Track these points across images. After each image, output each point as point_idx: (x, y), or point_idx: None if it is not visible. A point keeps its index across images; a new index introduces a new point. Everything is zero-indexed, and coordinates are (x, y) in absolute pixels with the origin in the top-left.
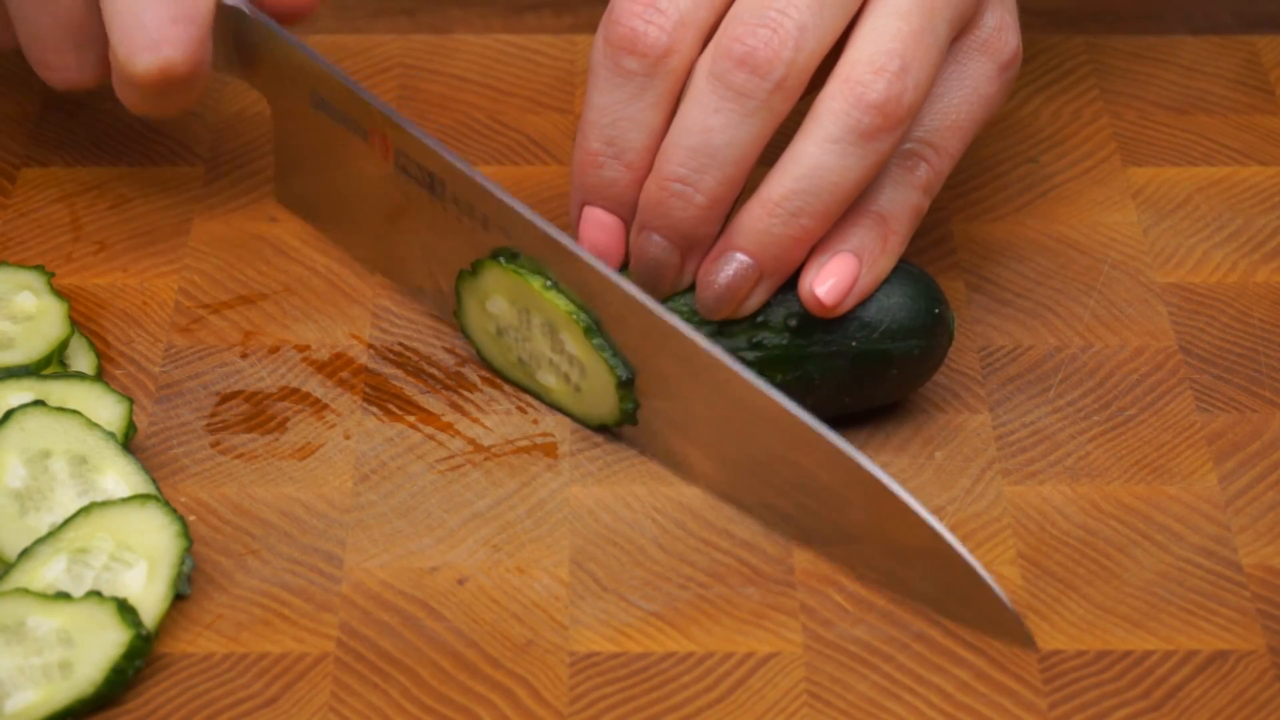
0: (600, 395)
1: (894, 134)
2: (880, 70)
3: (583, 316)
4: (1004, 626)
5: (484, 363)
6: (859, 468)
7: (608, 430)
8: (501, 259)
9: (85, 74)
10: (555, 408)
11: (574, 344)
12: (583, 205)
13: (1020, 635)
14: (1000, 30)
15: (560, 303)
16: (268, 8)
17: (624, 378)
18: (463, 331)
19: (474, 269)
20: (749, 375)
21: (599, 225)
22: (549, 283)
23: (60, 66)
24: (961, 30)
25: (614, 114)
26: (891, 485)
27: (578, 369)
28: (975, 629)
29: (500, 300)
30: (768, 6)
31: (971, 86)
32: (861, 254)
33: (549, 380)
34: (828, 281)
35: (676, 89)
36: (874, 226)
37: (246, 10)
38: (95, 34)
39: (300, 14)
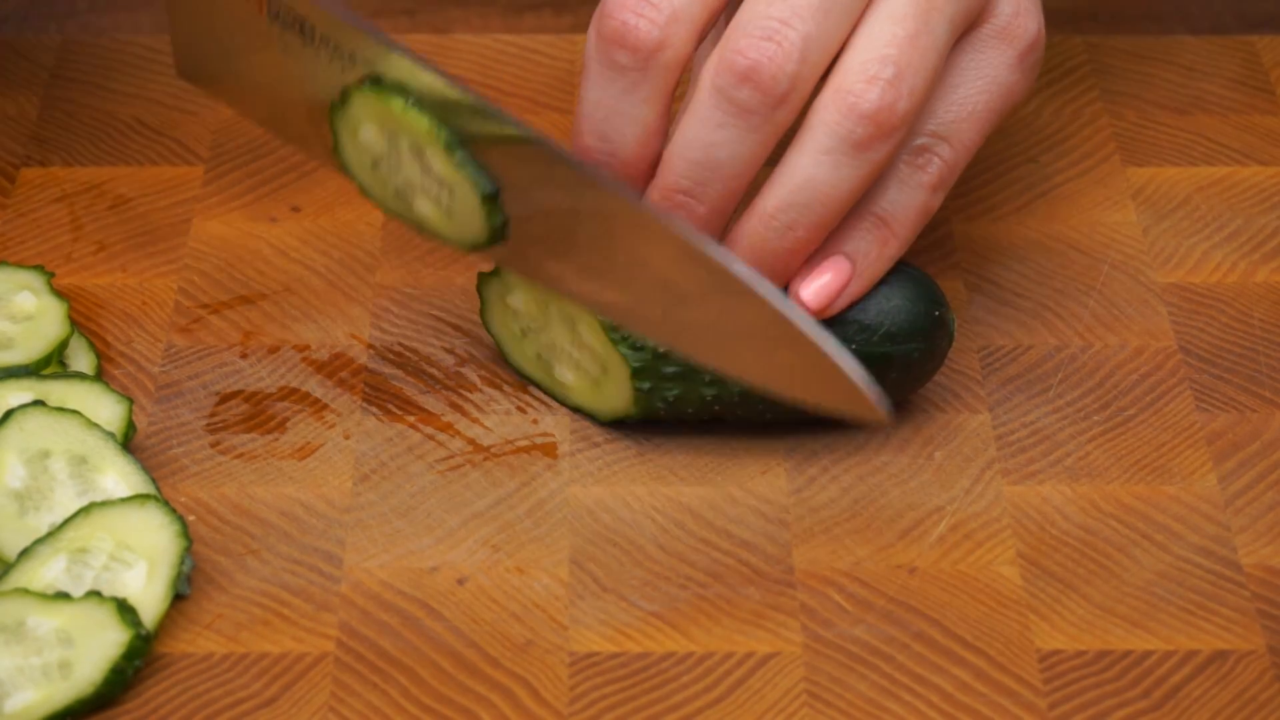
0: (469, 214)
1: (888, 142)
2: (873, 79)
3: (443, 133)
4: (854, 400)
5: (366, 196)
6: (704, 254)
7: (480, 250)
8: (366, 84)
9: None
10: (432, 237)
11: (438, 163)
12: None
13: (866, 406)
14: (1018, 15)
15: (420, 121)
16: None
17: (488, 191)
18: (343, 170)
19: (342, 99)
20: (603, 177)
21: None
22: (409, 101)
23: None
24: (977, 19)
25: (606, 109)
26: (737, 268)
27: (446, 190)
28: (835, 411)
29: (370, 128)
30: (771, 17)
31: (990, 75)
32: (856, 257)
33: (424, 208)
34: (814, 285)
35: (670, 83)
36: (873, 229)
37: None
38: None
39: None
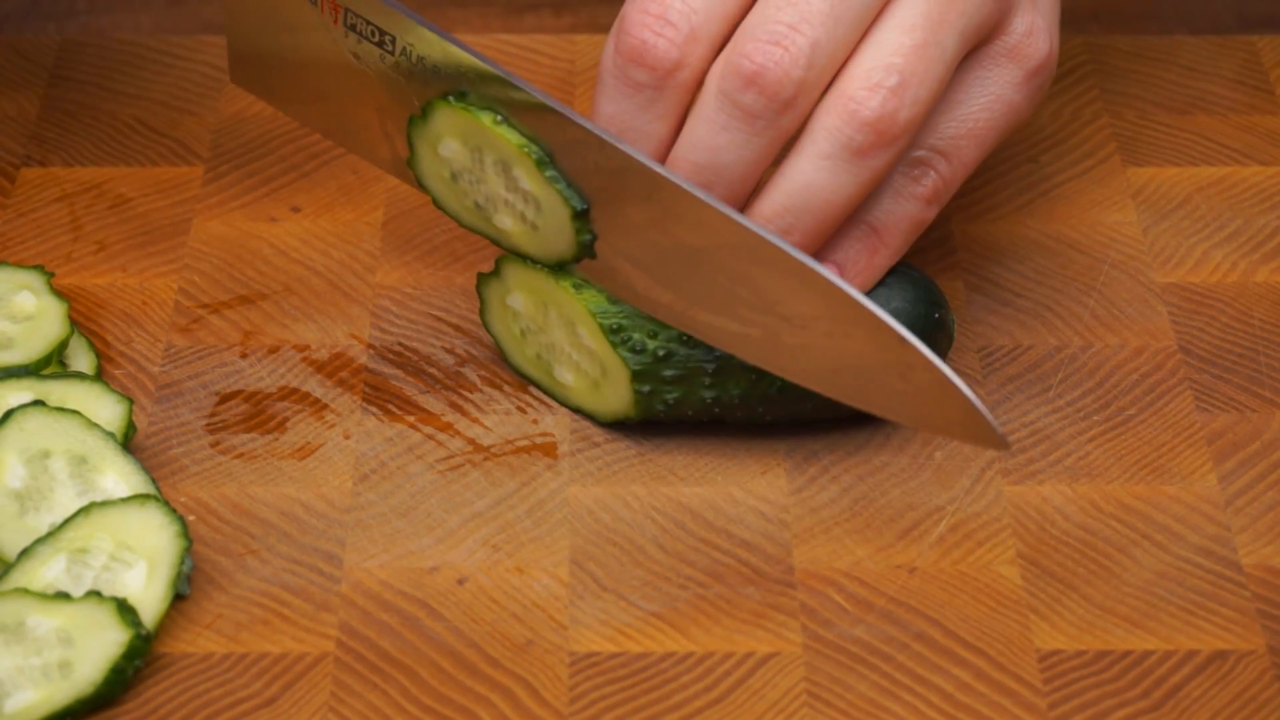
0: (557, 230)
1: (889, 151)
2: (876, 87)
3: (534, 149)
4: (974, 429)
5: (440, 208)
6: (819, 278)
7: (564, 265)
8: (451, 98)
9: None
10: (513, 251)
11: (527, 179)
12: None
13: (991, 436)
14: (1029, 35)
15: (511, 137)
16: None
17: (579, 208)
18: (419, 183)
19: (424, 112)
20: (704, 195)
21: None
22: (499, 118)
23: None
24: (988, 35)
25: (621, 124)
26: (854, 294)
27: (533, 206)
28: (947, 434)
29: (452, 142)
30: (779, 22)
31: (994, 93)
32: (844, 265)
33: (505, 223)
34: None
35: (685, 101)
36: (864, 238)
37: None
38: None
39: None
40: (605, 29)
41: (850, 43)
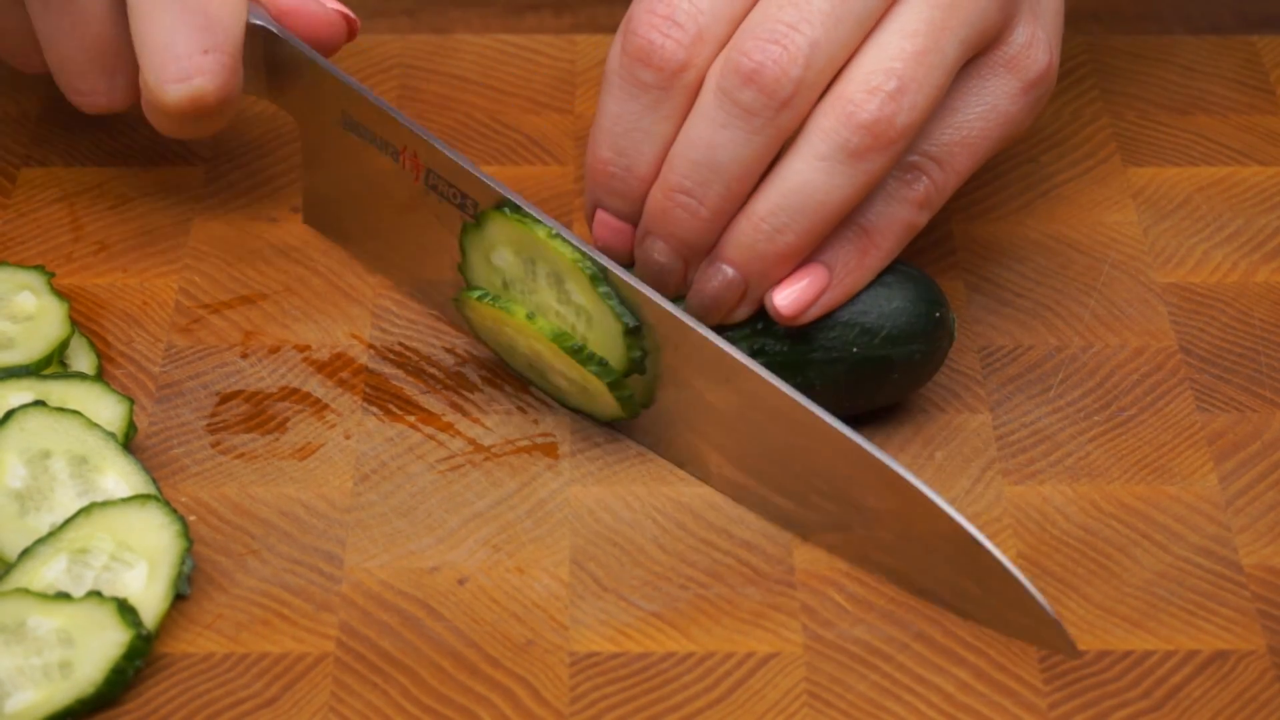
0: (607, 346)
1: (885, 154)
2: (875, 90)
3: (588, 264)
4: (1045, 634)
5: (488, 345)
6: (879, 463)
7: (615, 384)
8: (505, 209)
9: (115, 98)
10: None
11: (580, 293)
12: (594, 207)
13: (1064, 642)
14: (1030, 46)
15: (566, 251)
16: (299, 35)
17: (630, 325)
18: (462, 309)
19: (479, 220)
20: (767, 374)
21: (609, 228)
22: (554, 231)
23: (90, 91)
24: (989, 45)
25: (626, 124)
26: (933, 496)
27: (584, 319)
28: (1019, 637)
29: (505, 252)
30: (780, 21)
31: (991, 103)
32: (834, 266)
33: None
34: (789, 291)
35: (690, 102)
36: (854, 239)
37: (276, 31)
38: (125, 59)
39: (334, 45)
40: (605, 29)
41: (851, 45)
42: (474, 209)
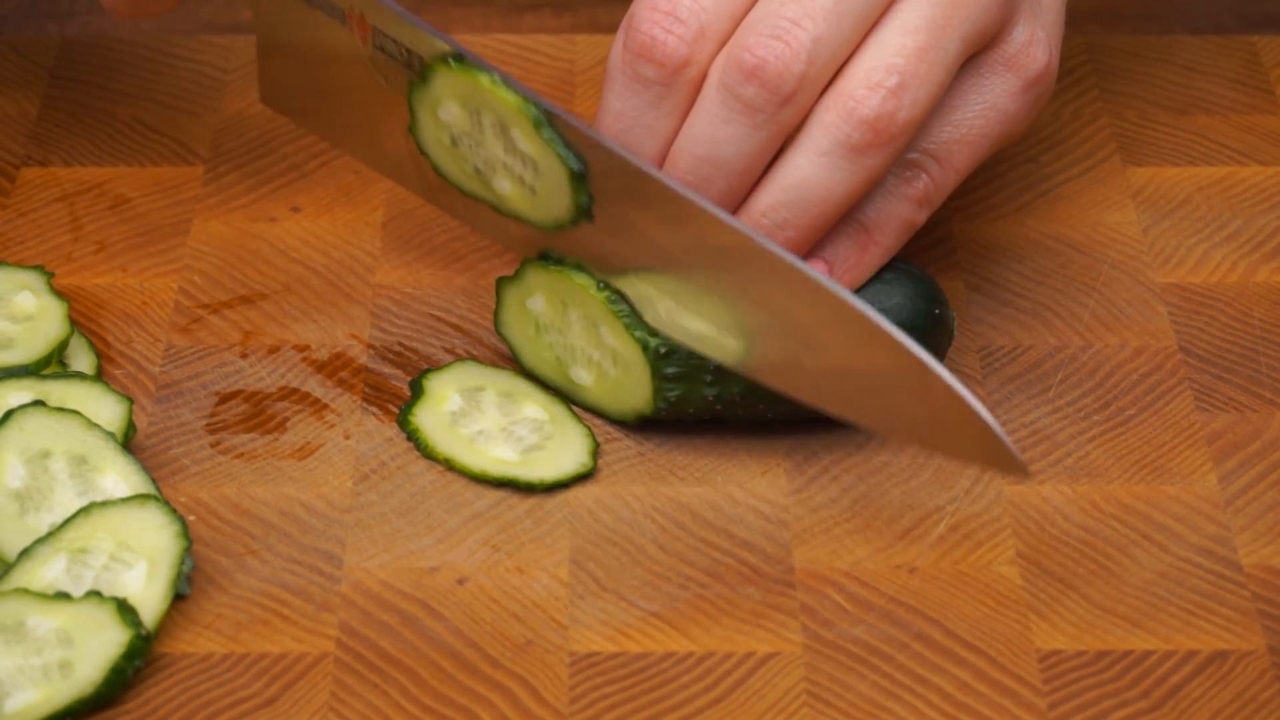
0: (555, 192)
1: (886, 150)
2: (876, 86)
3: (531, 109)
4: (993, 453)
5: (440, 175)
6: (840, 301)
7: (563, 229)
8: (450, 60)
9: None
10: (512, 216)
11: (525, 140)
12: None
13: (1011, 461)
14: (1029, 45)
15: (509, 97)
16: None
17: (576, 169)
18: (420, 149)
19: (424, 75)
20: (716, 210)
21: None
22: (497, 78)
23: None
24: (989, 43)
25: (628, 120)
26: (875, 316)
27: (531, 168)
28: (966, 460)
29: (451, 105)
30: (782, 17)
31: (990, 102)
32: (833, 261)
33: (504, 186)
34: None
35: (693, 98)
36: (854, 236)
37: None
38: None
39: None
40: (605, 29)
41: (853, 41)
42: (420, 66)
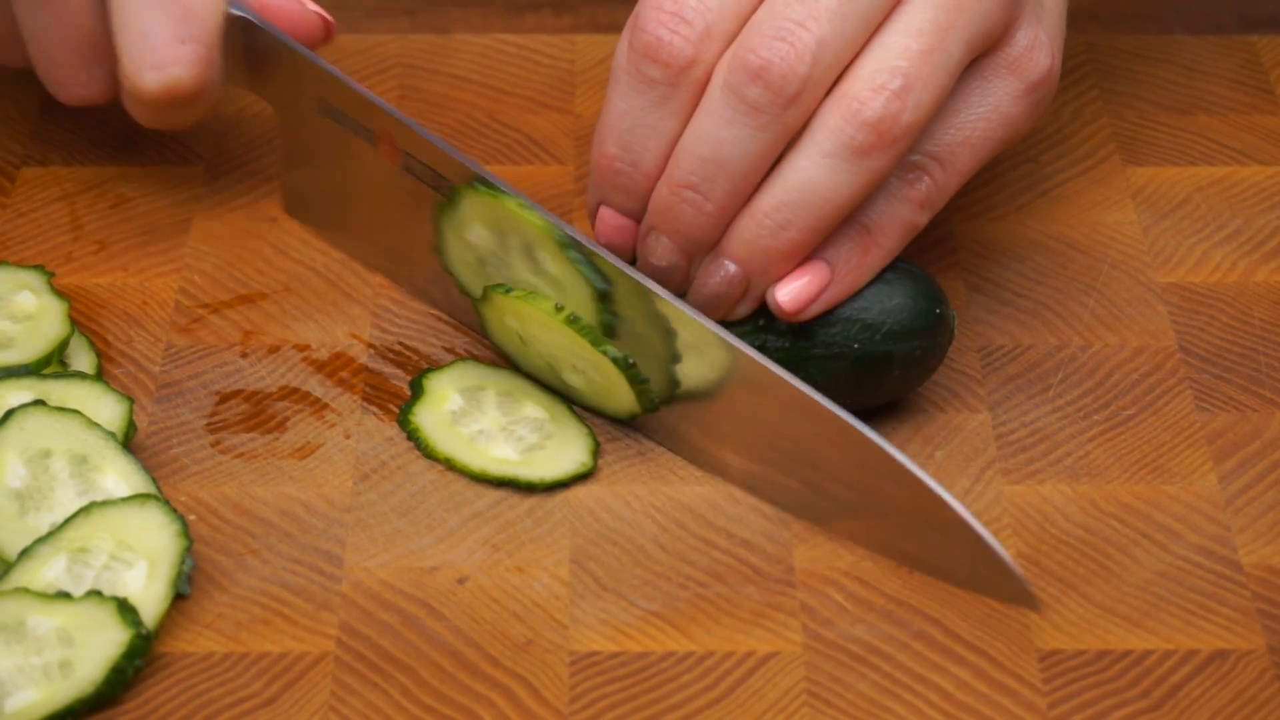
0: (579, 310)
1: (889, 152)
2: (880, 88)
3: (557, 231)
4: (1009, 589)
5: (465, 293)
6: (864, 438)
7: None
8: (477, 185)
9: (95, 90)
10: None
11: (551, 261)
12: (598, 204)
13: (1026, 595)
14: (1031, 49)
15: (535, 220)
16: (281, 28)
17: (600, 288)
18: (446, 270)
19: (451, 198)
20: (757, 355)
21: (612, 225)
22: (523, 202)
23: (70, 83)
24: (991, 47)
25: (633, 120)
26: (896, 455)
27: (556, 289)
28: (983, 592)
29: (479, 228)
30: (787, 18)
31: (992, 105)
32: (835, 263)
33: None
34: (790, 287)
35: (697, 99)
36: (856, 237)
37: (255, 21)
38: (105, 51)
39: (315, 42)
40: (605, 29)
41: (857, 43)
42: (448, 189)
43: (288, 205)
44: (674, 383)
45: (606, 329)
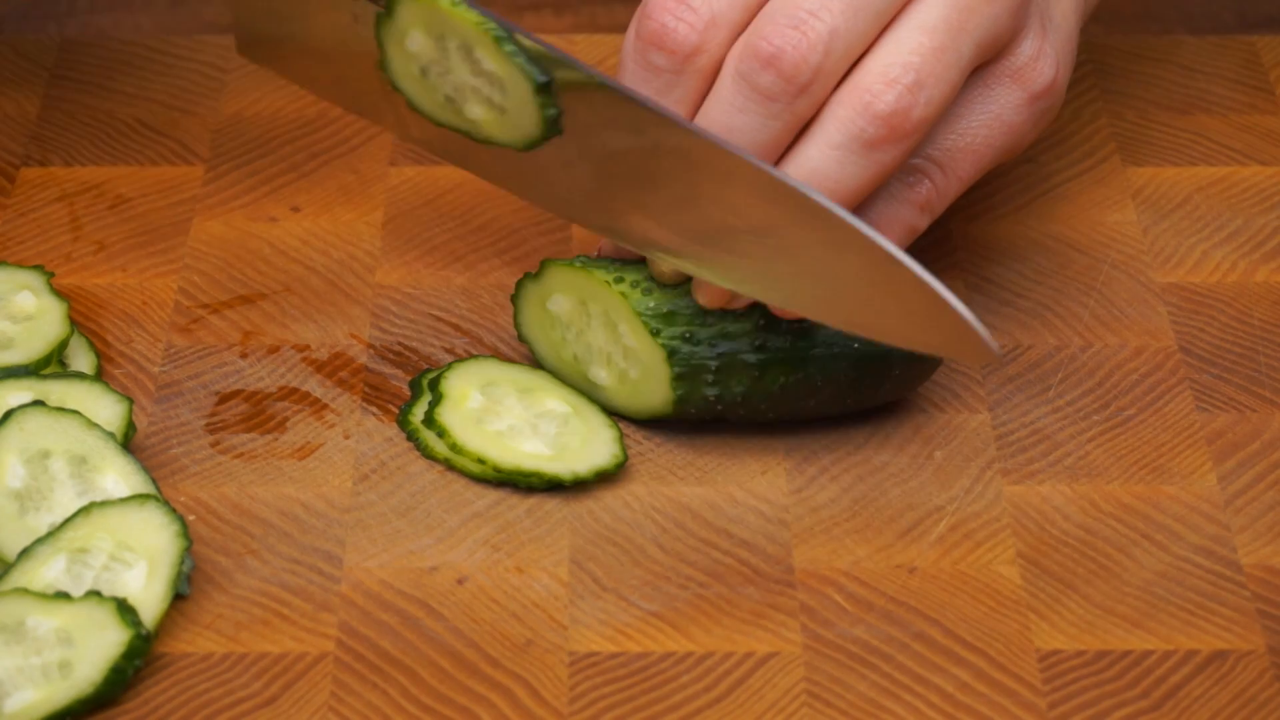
0: (522, 108)
1: (899, 146)
2: (893, 82)
3: (491, 25)
4: (967, 344)
5: (414, 109)
6: (813, 203)
7: (535, 147)
8: None
9: None
10: (486, 141)
11: (489, 58)
12: None
13: (984, 350)
14: (1036, 59)
15: (469, 15)
16: None
17: (540, 81)
18: (393, 85)
19: (389, 7)
20: (675, 116)
21: None
22: (456, 0)
23: None
24: (996, 55)
25: None
26: (847, 216)
27: (498, 87)
28: (942, 352)
29: (417, 35)
30: (800, 7)
31: (995, 112)
32: None
33: (476, 112)
34: None
35: (704, 87)
36: None
37: None
38: None
39: None
40: (605, 29)
41: (869, 36)
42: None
43: (240, 45)
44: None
45: (551, 122)
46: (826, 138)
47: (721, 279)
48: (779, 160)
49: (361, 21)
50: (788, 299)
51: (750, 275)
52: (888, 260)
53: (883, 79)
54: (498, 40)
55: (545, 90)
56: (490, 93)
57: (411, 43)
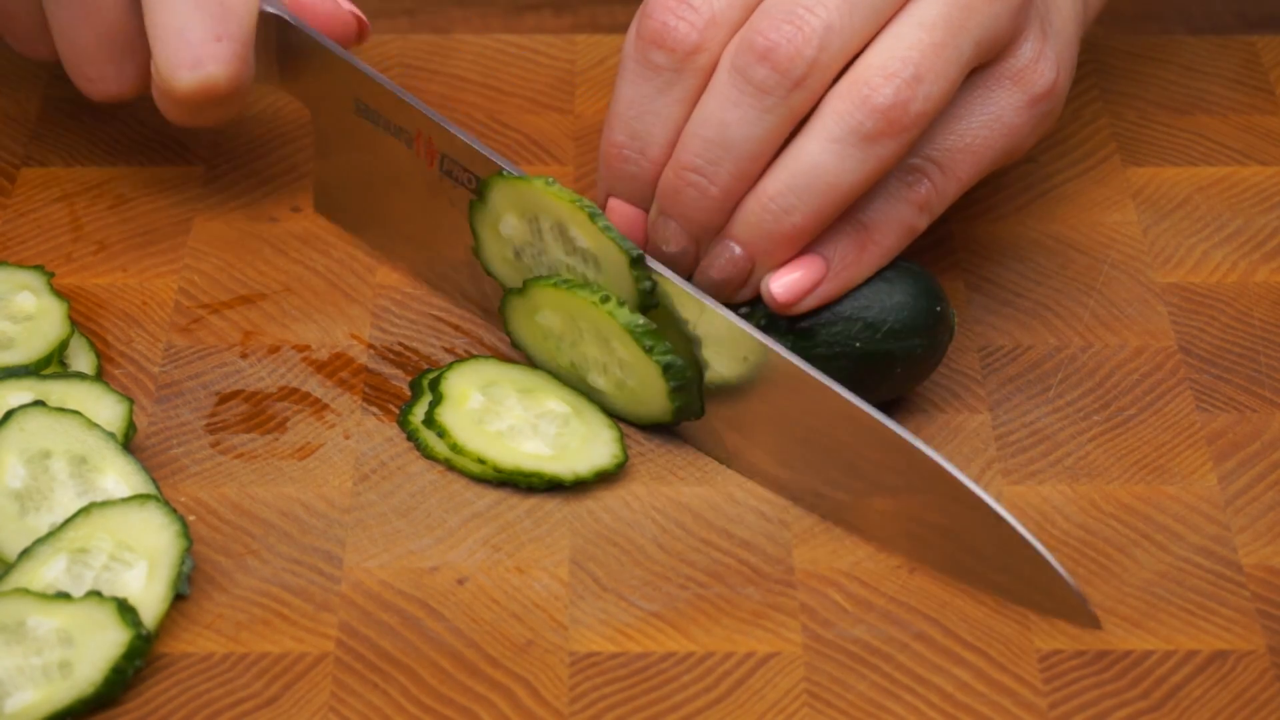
0: (616, 280)
1: (897, 141)
2: (891, 76)
3: (586, 203)
4: (1066, 605)
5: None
6: (919, 453)
7: (635, 315)
8: (503, 173)
9: (124, 86)
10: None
11: (583, 235)
12: (607, 195)
13: (1083, 613)
14: (1037, 62)
15: (564, 195)
16: (315, 26)
17: (634, 254)
18: (487, 271)
19: (481, 192)
20: (757, 334)
21: (621, 215)
22: (549, 181)
23: (99, 78)
24: (996, 57)
25: (639, 107)
26: (953, 471)
27: (592, 264)
28: (1039, 610)
29: (510, 218)
30: (796, 3)
31: (994, 114)
32: (831, 259)
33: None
34: (784, 279)
35: (703, 85)
36: (853, 234)
37: (289, 19)
38: (135, 46)
39: (348, 40)
40: (605, 29)
41: (866, 33)
42: (479, 185)
43: (318, 202)
44: (699, 369)
45: (645, 296)
46: (825, 131)
47: (841, 519)
48: (776, 155)
49: (454, 204)
50: (875, 533)
51: (841, 507)
52: (998, 521)
53: (881, 73)
54: (592, 217)
55: (639, 263)
56: (584, 270)
57: (505, 226)
